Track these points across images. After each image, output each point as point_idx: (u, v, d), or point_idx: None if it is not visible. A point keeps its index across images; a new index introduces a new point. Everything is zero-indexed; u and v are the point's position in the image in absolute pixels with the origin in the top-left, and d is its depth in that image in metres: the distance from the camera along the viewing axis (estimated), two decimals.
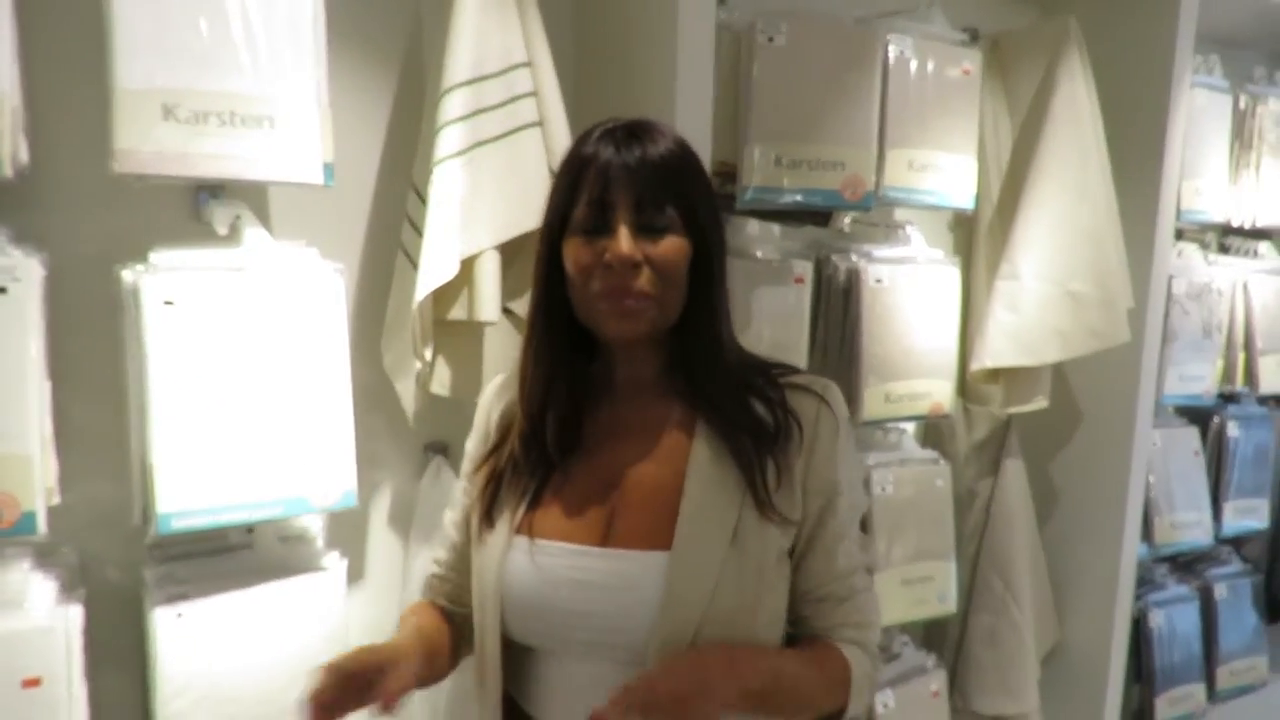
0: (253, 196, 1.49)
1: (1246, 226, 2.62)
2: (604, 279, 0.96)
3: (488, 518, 1.05)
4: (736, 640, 0.97)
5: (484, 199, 1.45)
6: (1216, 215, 2.53)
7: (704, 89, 1.58)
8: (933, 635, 2.45)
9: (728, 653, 0.94)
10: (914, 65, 1.95)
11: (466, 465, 1.14)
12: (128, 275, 1.26)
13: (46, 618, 1.26)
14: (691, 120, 1.57)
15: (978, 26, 2.30)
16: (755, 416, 1.02)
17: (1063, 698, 2.53)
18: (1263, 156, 2.59)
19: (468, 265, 1.50)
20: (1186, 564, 2.89)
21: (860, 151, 1.83)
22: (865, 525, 2.05)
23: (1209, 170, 2.48)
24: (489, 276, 1.49)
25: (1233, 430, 2.72)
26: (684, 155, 1.01)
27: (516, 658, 1.04)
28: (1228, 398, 2.79)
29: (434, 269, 1.40)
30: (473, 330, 1.55)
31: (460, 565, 1.13)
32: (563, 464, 1.04)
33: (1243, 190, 2.59)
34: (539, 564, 1.00)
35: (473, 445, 1.14)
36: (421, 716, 1.64)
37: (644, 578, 0.96)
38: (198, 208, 1.42)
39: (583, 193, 0.97)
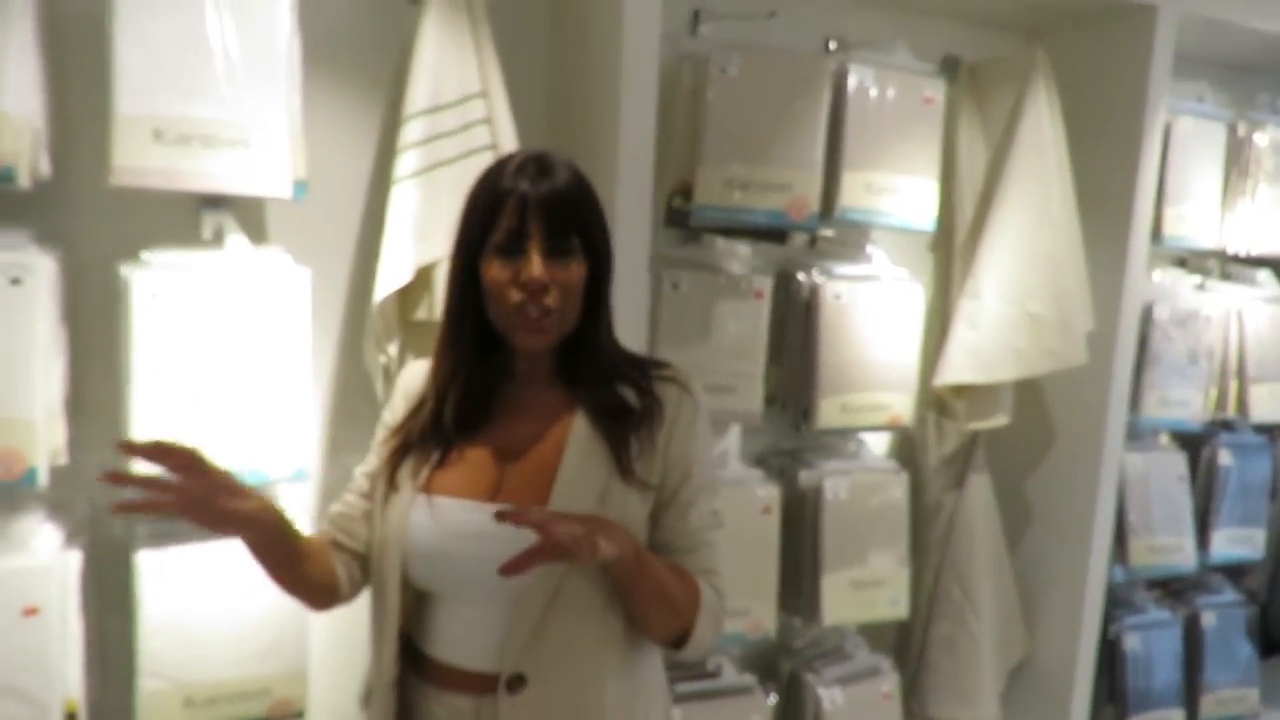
0: (249, 208, 1.72)
1: (1241, 254, 2.63)
2: (519, 293, 1.13)
3: (392, 480, 1.23)
4: (599, 584, 1.14)
5: (441, 214, 1.64)
6: (1204, 242, 2.55)
7: (647, 120, 1.74)
8: (900, 642, 2.53)
9: (618, 525, 1.12)
10: (874, 93, 2.07)
11: (380, 432, 1.31)
12: (124, 271, 1.49)
13: (47, 558, 1.50)
14: (633, 146, 1.73)
15: (960, 55, 2.41)
16: (624, 402, 1.19)
17: (1029, 712, 2.58)
18: (1259, 184, 2.59)
19: (427, 273, 1.69)
20: (1177, 591, 2.89)
21: (806, 175, 1.96)
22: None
23: (1195, 197, 2.50)
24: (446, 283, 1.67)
25: (1224, 458, 2.71)
26: (583, 188, 1.18)
27: (412, 603, 1.21)
28: (1224, 425, 2.78)
29: (389, 275, 1.60)
30: (435, 328, 1.73)
31: (360, 508, 1.29)
32: (465, 437, 1.21)
33: (1238, 217, 2.60)
34: (437, 517, 1.17)
35: (389, 416, 1.31)
36: None
37: (522, 528, 1.12)
38: (199, 214, 1.65)
39: (501, 220, 1.13)
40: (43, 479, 1.46)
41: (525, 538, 1.10)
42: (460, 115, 1.65)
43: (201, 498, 1.03)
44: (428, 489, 1.19)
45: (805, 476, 2.22)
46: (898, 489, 2.26)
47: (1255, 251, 2.63)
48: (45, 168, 1.49)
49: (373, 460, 1.30)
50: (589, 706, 1.15)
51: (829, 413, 2.16)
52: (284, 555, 1.18)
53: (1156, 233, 2.45)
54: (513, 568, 1.00)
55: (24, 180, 1.41)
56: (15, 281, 1.41)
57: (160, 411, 1.47)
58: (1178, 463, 2.66)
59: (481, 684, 1.14)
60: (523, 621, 1.12)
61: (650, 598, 1.16)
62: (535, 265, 1.11)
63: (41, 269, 1.44)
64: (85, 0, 1.54)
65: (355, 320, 1.86)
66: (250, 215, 1.74)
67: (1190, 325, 2.57)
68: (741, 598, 2.08)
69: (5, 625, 1.45)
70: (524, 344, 1.17)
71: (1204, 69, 2.70)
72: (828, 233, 2.25)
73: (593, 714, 1.15)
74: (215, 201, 1.63)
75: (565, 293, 1.14)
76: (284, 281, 1.57)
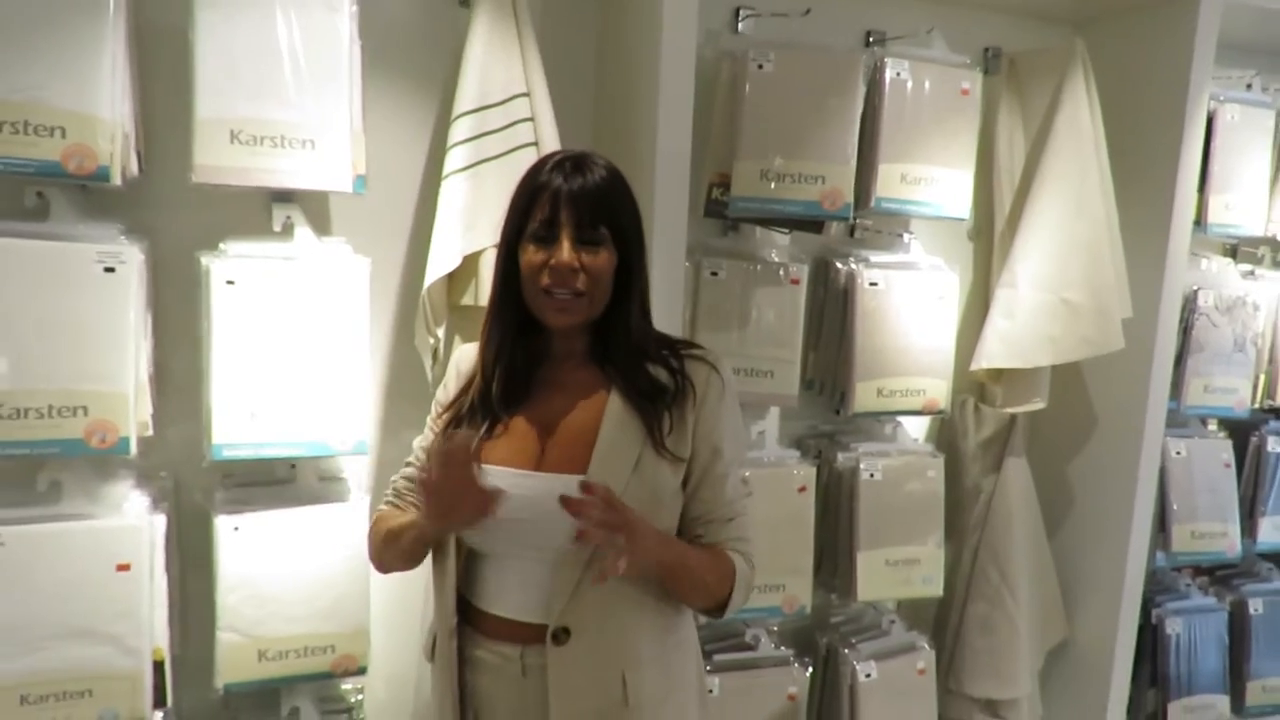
0: (314, 201, 1.86)
1: None
2: (550, 277, 1.24)
3: None
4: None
5: (486, 206, 1.76)
6: (1252, 229, 2.54)
7: (684, 115, 1.82)
8: (938, 621, 2.58)
9: (656, 529, 1.24)
10: (910, 86, 2.12)
11: (435, 409, 1.43)
12: (203, 259, 1.64)
13: (137, 520, 1.66)
14: (671, 141, 1.82)
15: (1000, 46, 2.44)
16: (655, 381, 1.29)
17: (1070, 694, 2.62)
18: None
19: (473, 261, 1.81)
20: (1224, 578, 2.88)
21: (840, 167, 2.03)
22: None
23: (1242, 184, 2.49)
24: (491, 269, 1.79)
25: (1273, 445, 2.70)
26: (615, 184, 1.28)
27: (465, 561, 1.34)
28: (1274, 412, 2.76)
29: (438, 263, 1.73)
30: (480, 313, 1.84)
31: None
32: (510, 411, 1.33)
33: None
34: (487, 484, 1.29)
35: (442, 394, 1.44)
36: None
37: (564, 493, 1.22)
38: (270, 208, 1.80)
39: (537, 211, 1.25)
40: (133, 449, 1.62)
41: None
42: (505, 114, 1.76)
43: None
44: (478, 458, 1.30)
45: (842, 458, 2.29)
46: (933, 471, 2.32)
47: None
48: (134, 167, 1.64)
49: (429, 435, 1.42)
50: (626, 657, 1.27)
51: (865, 397, 2.22)
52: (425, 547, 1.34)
53: (1201, 220, 2.45)
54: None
55: (116, 178, 1.56)
56: (109, 270, 1.57)
57: (236, 388, 1.62)
58: (1223, 449, 2.66)
59: (527, 634, 1.26)
60: (565, 580, 1.24)
61: (685, 587, 1.29)
62: (565, 251, 1.22)
63: (132, 258, 1.60)
64: (168, 12, 1.69)
65: (408, 305, 1.99)
66: (315, 208, 1.88)
67: (1236, 312, 2.56)
68: (778, 574, 2.16)
69: (101, 579, 1.62)
70: (554, 322, 1.28)
71: (1255, 58, 2.68)
72: (866, 222, 2.31)
73: (630, 664, 1.26)
74: (284, 196, 1.77)
75: (594, 278, 1.24)
76: (345, 270, 1.70)
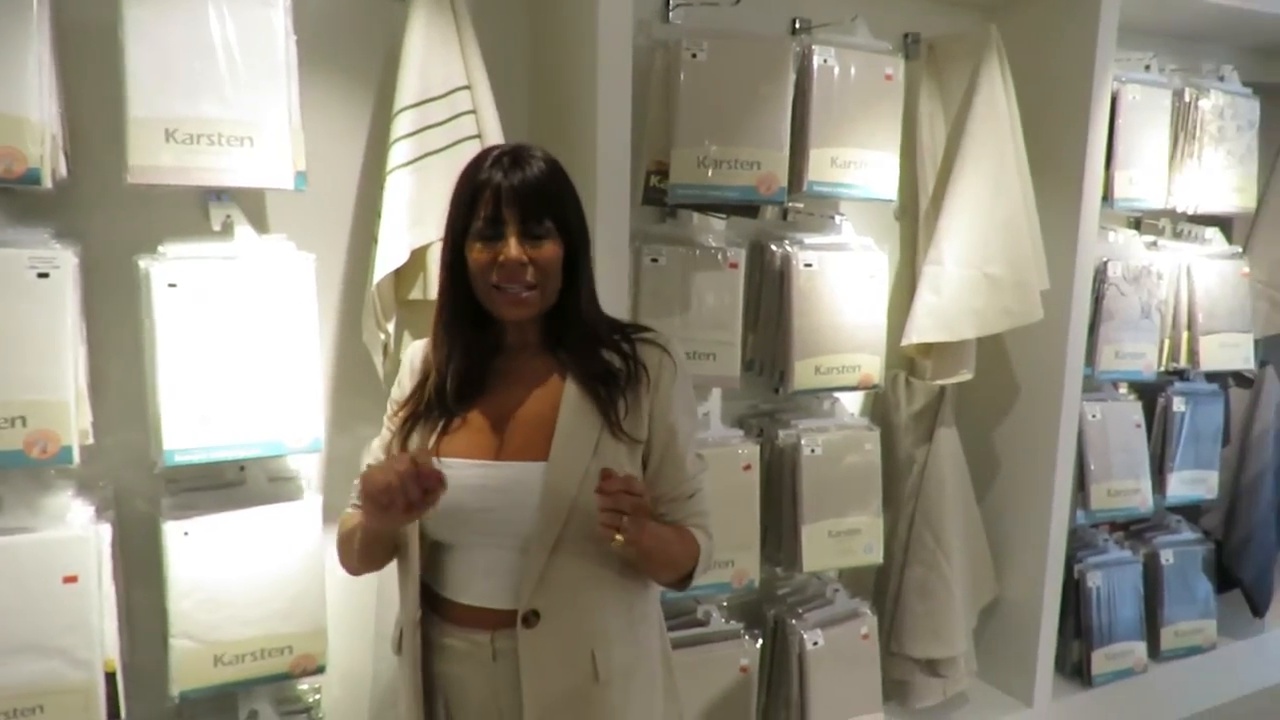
0: (252, 199, 1.83)
1: (1189, 213, 2.78)
2: (499, 274, 1.26)
3: (404, 448, 1.36)
4: (595, 532, 1.26)
5: (432, 200, 1.75)
6: (1153, 203, 2.70)
7: (622, 105, 1.85)
8: (878, 587, 2.69)
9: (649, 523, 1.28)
10: (836, 72, 2.19)
11: (390, 407, 1.44)
12: (142, 263, 1.61)
13: (82, 530, 1.62)
14: (611, 130, 1.85)
15: (918, 32, 2.53)
16: (609, 366, 1.33)
17: (1002, 648, 2.76)
18: (1204, 147, 2.74)
19: (421, 255, 1.81)
20: (1138, 532, 3.07)
21: (774, 152, 2.09)
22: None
23: (1143, 161, 2.64)
24: (438, 263, 1.79)
25: (1178, 405, 2.88)
26: (555, 175, 1.30)
27: (429, 552, 1.35)
28: (1178, 374, 2.95)
29: (386, 258, 1.72)
30: (429, 306, 1.84)
31: None
32: (466, 404, 1.35)
33: (1185, 179, 2.75)
34: (447, 475, 1.30)
35: (397, 391, 1.45)
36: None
37: (528, 481, 1.27)
38: (207, 208, 1.76)
39: (480, 209, 1.26)
40: (76, 458, 1.58)
41: (527, 487, 1.24)
42: (448, 106, 1.76)
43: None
44: (437, 453, 1.32)
45: (783, 435, 2.36)
46: (870, 444, 2.41)
47: (1202, 210, 2.78)
48: (62, 169, 1.59)
49: (385, 434, 1.43)
50: (595, 635, 1.30)
51: (804, 375, 2.30)
52: (389, 546, 1.37)
53: (1108, 195, 2.59)
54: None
55: (46, 181, 1.52)
56: (43, 275, 1.52)
57: (184, 392, 1.60)
58: (1134, 411, 2.83)
59: (497, 619, 1.29)
60: (532, 565, 1.26)
61: (659, 565, 1.34)
62: (512, 247, 1.24)
63: (66, 263, 1.55)
64: (92, 9, 1.65)
65: (353, 301, 1.98)
66: (253, 206, 1.84)
67: (1142, 282, 2.73)
68: (727, 550, 2.23)
69: (48, 591, 1.57)
70: (508, 315, 1.30)
71: (1152, 40, 2.84)
72: (798, 205, 2.38)
73: (599, 642, 1.30)
74: (221, 195, 1.74)
75: (542, 270, 1.27)
76: (290, 266, 1.68)
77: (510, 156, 1.27)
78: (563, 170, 1.32)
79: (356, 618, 2.07)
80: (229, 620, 1.73)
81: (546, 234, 1.26)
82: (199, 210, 1.77)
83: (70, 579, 1.60)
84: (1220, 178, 2.79)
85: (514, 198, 1.24)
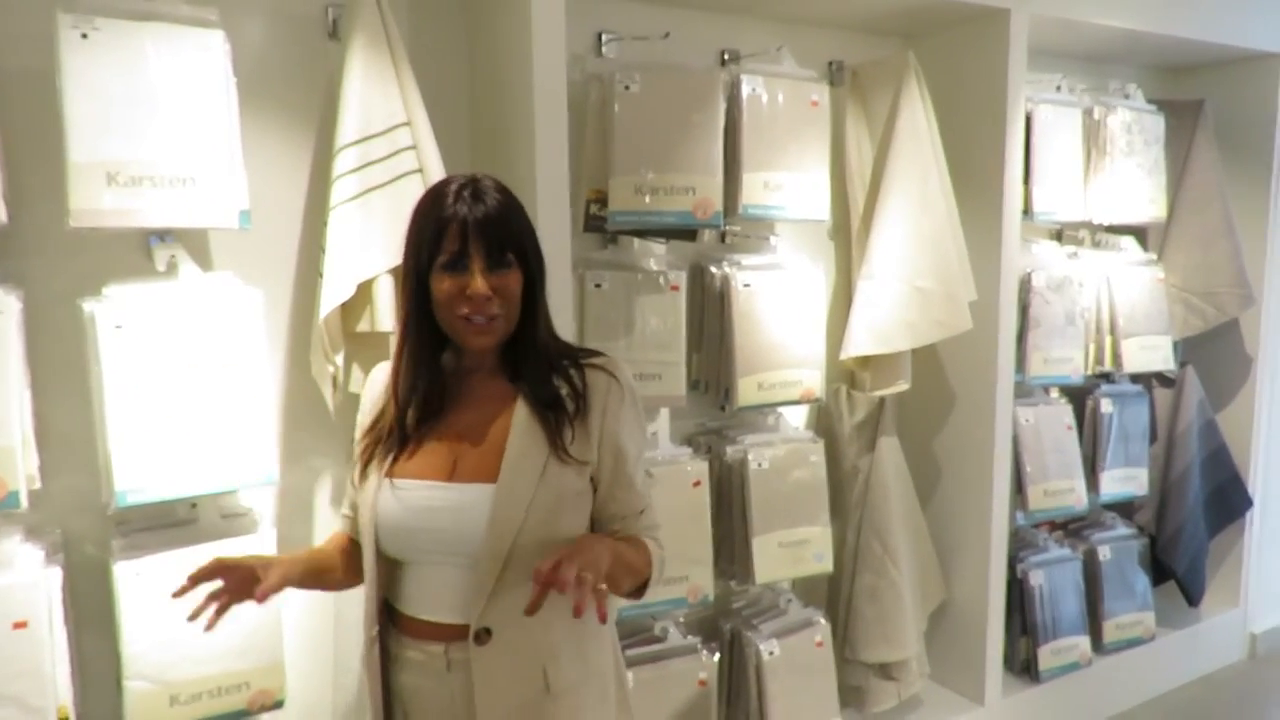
0: (195, 238, 1.85)
1: (1104, 224, 2.92)
2: (467, 305, 1.31)
3: (365, 471, 1.40)
4: (544, 551, 1.29)
5: (376, 234, 1.80)
6: (1071, 215, 2.84)
7: (559, 137, 1.91)
8: (830, 595, 2.76)
9: (599, 537, 1.33)
10: (765, 100, 2.29)
11: (357, 433, 1.48)
12: (86, 306, 1.62)
13: (31, 575, 1.61)
14: (549, 161, 1.90)
15: (842, 60, 2.65)
16: (557, 392, 1.37)
17: (952, 649, 2.84)
18: (1115, 161, 2.89)
19: (367, 288, 1.85)
20: (1075, 530, 3.18)
21: (708, 178, 2.17)
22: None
23: (1058, 175, 2.78)
24: (384, 295, 1.83)
25: (1106, 407, 3.01)
26: (512, 207, 1.36)
27: (389, 570, 1.39)
28: (1104, 377, 3.08)
29: (332, 292, 1.75)
30: (377, 338, 1.90)
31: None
32: (423, 427, 1.39)
33: (1098, 191, 2.89)
34: (400, 498, 1.35)
35: (361, 419, 1.48)
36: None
37: (478, 502, 1.30)
38: (149, 249, 1.78)
39: (446, 244, 1.31)
40: (24, 502, 1.57)
41: (477, 508, 1.29)
42: (389, 143, 1.81)
43: (242, 590, 1.33)
44: (391, 475, 1.36)
45: (731, 451, 2.43)
46: (815, 456, 2.48)
47: (1117, 221, 2.93)
48: (3, 214, 1.60)
49: (355, 463, 1.46)
50: (545, 651, 1.34)
51: (748, 391, 2.37)
52: (317, 580, 1.45)
53: (1028, 209, 2.72)
54: (531, 609, 1.18)
55: None
56: None
57: (134, 433, 1.60)
58: (1065, 414, 2.95)
59: (451, 633, 1.33)
60: (482, 583, 1.30)
61: (622, 573, 1.36)
62: (479, 281, 1.29)
63: (9, 307, 1.56)
64: (29, 57, 1.67)
65: (302, 335, 2.00)
66: (196, 245, 1.87)
67: (1065, 290, 2.86)
68: (681, 566, 2.27)
69: None
70: (474, 345, 1.35)
71: (1061, 62, 3.00)
72: (735, 228, 2.46)
73: (549, 657, 1.34)
74: (163, 235, 1.76)
75: (506, 299, 1.32)
76: (238, 303, 1.71)
77: (471, 190, 1.32)
78: (518, 200, 1.37)
79: (314, 649, 2.07)
80: (184, 659, 1.73)
81: (509, 264, 1.32)
82: (142, 252, 1.79)
83: (20, 625, 1.59)
84: (1132, 190, 2.94)
85: (479, 232, 1.29)
